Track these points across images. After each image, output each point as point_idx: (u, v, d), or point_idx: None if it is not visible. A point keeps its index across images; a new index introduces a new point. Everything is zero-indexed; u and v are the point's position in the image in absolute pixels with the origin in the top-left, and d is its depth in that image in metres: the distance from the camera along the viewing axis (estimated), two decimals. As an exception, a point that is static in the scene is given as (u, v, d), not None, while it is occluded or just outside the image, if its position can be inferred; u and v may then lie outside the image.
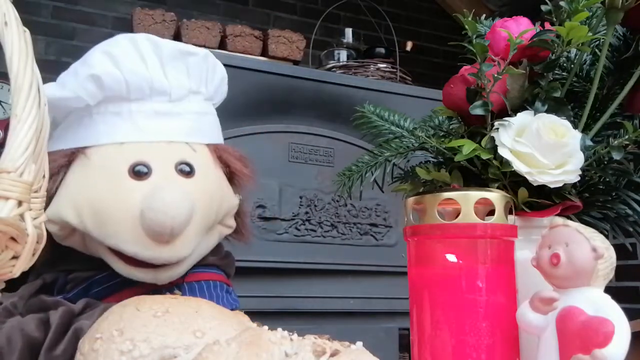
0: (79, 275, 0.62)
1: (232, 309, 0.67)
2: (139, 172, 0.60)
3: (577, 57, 0.56)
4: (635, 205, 0.53)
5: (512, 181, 0.52)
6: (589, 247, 0.42)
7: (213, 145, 0.69)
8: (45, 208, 0.58)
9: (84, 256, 0.63)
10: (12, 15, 0.36)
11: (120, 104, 0.63)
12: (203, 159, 0.66)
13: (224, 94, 0.75)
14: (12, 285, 0.53)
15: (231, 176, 0.71)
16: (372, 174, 0.63)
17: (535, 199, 0.51)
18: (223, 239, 0.72)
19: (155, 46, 0.64)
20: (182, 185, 0.60)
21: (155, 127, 0.63)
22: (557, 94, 0.54)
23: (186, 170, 0.62)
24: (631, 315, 0.45)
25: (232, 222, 0.71)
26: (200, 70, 0.68)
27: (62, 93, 0.60)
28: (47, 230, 0.58)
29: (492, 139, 0.52)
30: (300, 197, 1.41)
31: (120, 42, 0.63)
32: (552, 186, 0.49)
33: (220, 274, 0.70)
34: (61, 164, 0.60)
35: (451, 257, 0.47)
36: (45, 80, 0.42)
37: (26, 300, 0.57)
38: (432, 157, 0.62)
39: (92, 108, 0.62)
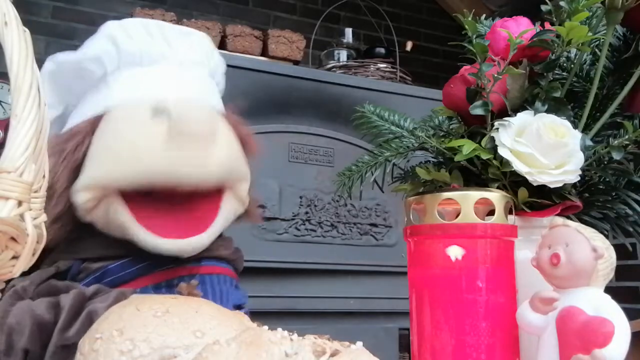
0: (93, 264, 0.62)
1: (241, 304, 0.69)
2: (158, 110, 0.62)
3: (577, 57, 0.56)
4: (635, 205, 0.53)
5: (512, 181, 0.52)
6: (589, 247, 0.42)
7: (222, 112, 0.71)
8: (74, 179, 0.60)
9: (99, 243, 0.63)
10: (12, 15, 0.36)
11: (135, 70, 0.66)
12: (217, 118, 0.68)
13: (223, 82, 0.78)
14: (27, 271, 0.53)
15: (240, 141, 0.72)
16: (372, 174, 0.63)
17: (535, 199, 0.51)
18: (234, 222, 0.73)
19: (159, 26, 0.68)
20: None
21: (169, 87, 0.66)
22: (557, 94, 0.54)
23: None
24: (631, 315, 0.45)
25: (245, 197, 0.72)
26: (203, 47, 0.72)
27: (83, 52, 0.64)
28: (72, 206, 0.59)
29: (492, 139, 0.52)
30: (300, 197, 1.41)
31: (130, 21, 0.68)
32: (552, 186, 0.49)
33: (230, 268, 0.71)
34: (86, 131, 0.62)
35: (455, 251, 0.47)
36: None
37: (37, 285, 0.57)
38: (432, 157, 0.62)
39: (108, 76, 0.65)
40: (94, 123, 0.63)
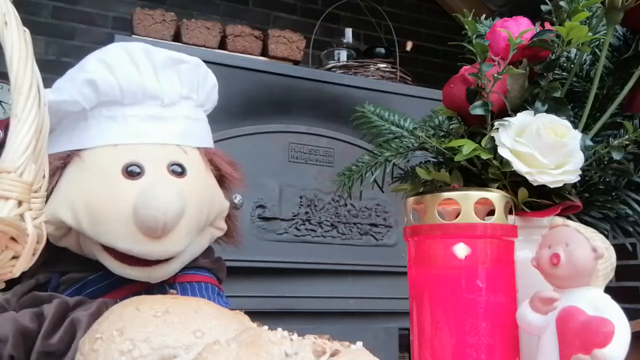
0: (73, 276, 0.63)
1: None
2: (132, 172, 0.61)
3: (577, 57, 0.56)
4: (635, 205, 0.53)
5: (512, 181, 0.52)
6: (589, 247, 0.42)
7: (204, 149, 0.70)
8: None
9: (78, 257, 0.63)
10: (12, 15, 0.36)
11: (115, 109, 0.65)
12: (194, 161, 0.67)
13: (215, 101, 0.77)
14: (6, 285, 0.54)
15: (221, 179, 0.72)
16: (372, 174, 0.63)
17: (535, 199, 0.51)
18: (214, 242, 0.74)
19: (148, 54, 0.66)
20: (174, 184, 0.62)
21: (148, 130, 0.65)
22: (557, 94, 0.54)
23: (178, 171, 0.64)
24: (631, 315, 0.45)
25: (223, 225, 0.72)
26: (192, 77, 0.70)
27: (59, 97, 0.62)
28: None
29: (492, 139, 0.52)
30: (300, 197, 1.41)
31: (114, 50, 0.65)
32: (552, 186, 0.49)
33: (211, 277, 0.71)
34: (56, 166, 0.62)
35: (461, 250, 0.47)
36: (45, 80, 0.42)
37: (19, 297, 0.58)
38: (432, 157, 0.62)
39: (87, 112, 0.64)
40: (67, 159, 0.63)
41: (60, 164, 0.62)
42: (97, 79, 0.62)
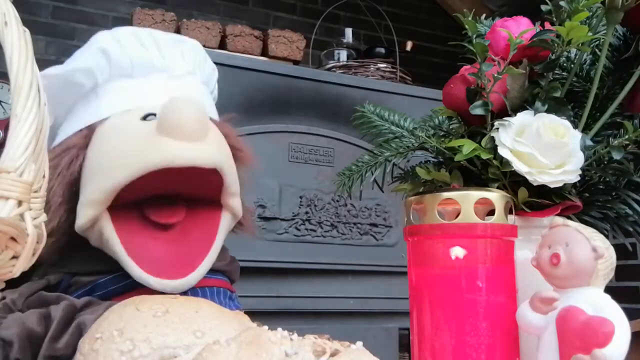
0: (84, 278, 0.61)
1: None
2: (150, 118, 0.62)
3: (577, 57, 0.56)
4: (635, 205, 0.53)
5: (512, 181, 0.52)
6: (589, 247, 0.42)
7: (215, 121, 0.70)
8: (70, 194, 0.59)
9: (91, 259, 0.62)
10: (12, 15, 0.36)
11: (126, 81, 0.66)
12: (214, 126, 0.67)
13: (215, 92, 0.78)
14: (16, 283, 0.53)
15: (233, 153, 0.71)
16: (372, 174, 0.63)
17: (535, 199, 0.51)
18: (230, 233, 0.72)
19: (152, 34, 0.68)
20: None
21: (159, 98, 0.65)
22: (557, 94, 0.54)
23: None
24: (631, 315, 0.45)
25: (239, 209, 0.70)
26: (194, 56, 0.72)
27: (73, 65, 0.64)
28: (66, 221, 0.59)
29: (492, 139, 0.52)
30: (300, 197, 1.41)
31: (121, 29, 0.68)
32: (552, 186, 0.49)
33: (225, 280, 0.70)
34: (80, 145, 0.62)
35: (457, 251, 0.47)
36: (45, 80, 0.42)
37: (26, 297, 0.57)
38: (432, 157, 0.62)
39: (99, 89, 0.65)
40: (87, 136, 0.62)
41: (82, 142, 0.62)
42: (108, 48, 0.64)
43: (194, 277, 0.60)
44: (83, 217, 0.58)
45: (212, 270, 0.68)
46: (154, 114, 0.61)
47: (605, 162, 0.53)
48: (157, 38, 0.68)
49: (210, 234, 0.64)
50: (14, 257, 0.35)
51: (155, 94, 0.66)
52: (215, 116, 0.73)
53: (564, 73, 0.58)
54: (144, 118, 0.62)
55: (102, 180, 0.59)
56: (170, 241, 0.62)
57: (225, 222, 0.66)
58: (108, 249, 0.61)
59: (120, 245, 0.59)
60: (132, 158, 0.58)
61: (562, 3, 0.54)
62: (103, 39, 0.65)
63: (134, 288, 0.61)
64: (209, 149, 0.60)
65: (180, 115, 0.57)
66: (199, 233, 0.64)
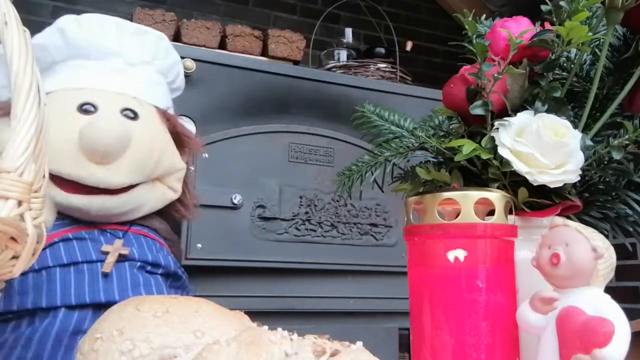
0: None
1: (160, 264, 0.72)
2: (86, 110, 0.67)
3: (577, 57, 0.56)
4: (635, 205, 0.53)
5: (512, 181, 0.52)
6: (589, 247, 0.42)
7: (161, 109, 0.75)
8: None
9: None
10: (12, 15, 0.36)
11: (81, 62, 0.71)
12: (149, 113, 0.72)
13: (181, 81, 0.83)
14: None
15: (178, 140, 0.77)
16: (372, 174, 0.63)
17: (535, 199, 0.51)
18: (173, 212, 0.78)
19: (117, 23, 0.74)
20: (123, 122, 0.67)
21: (109, 80, 0.71)
22: (557, 94, 0.54)
23: (130, 115, 0.69)
24: (631, 315, 0.45)
25: (177, 186, 0.76)
26: (155, 47, 0.76)
27: (32, 40, 0.68)
28: None
29: (492, 139, 0.52)
30: (300, 197, 1.41)
31: (87, 15, 0.73)
32: (552, 186, 0.49)
33: (161, 240, 0.75)
34: None
35: (458, 252, 0.47)
36: (45, 80, 0.42)
37: None
38: (432, 157, 0.62)
39: (55, 65, 0.70)
40: None
41: None
42: (68, 30, 0.69)
43: (108, 198, 0.66)
44: None
45: (152, 229, 0.74)
46: (92, 105, 0.66)
47: (605, 162, 0.53)
48: (122, 26, 0.73)
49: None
50: (14, 257, 0.35)
51: (105, 78, 0.70)
52: (165, 104, 0.77)
53: (564, 73, 0.58)
54: (81, 107, 0.66)
55: None
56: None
57: (155, 183, 0.72)
58: None
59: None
60: (54, 156, 0.62)
61: (562, 3, 0.54)
62: (65, 20, 0.70)
63: (75, 225, 0.67)
64: (124, 170, 0.66)
65: (98, 143, 0.62)
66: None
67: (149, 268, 0.69)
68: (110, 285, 0.64)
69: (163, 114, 0.74)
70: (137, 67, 0.73)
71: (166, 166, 0.72)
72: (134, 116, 0.69)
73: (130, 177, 0.66)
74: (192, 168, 0.81)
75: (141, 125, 0.69)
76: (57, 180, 0.64)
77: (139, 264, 0.68)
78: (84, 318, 0.62)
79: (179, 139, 0.76)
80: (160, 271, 0.70)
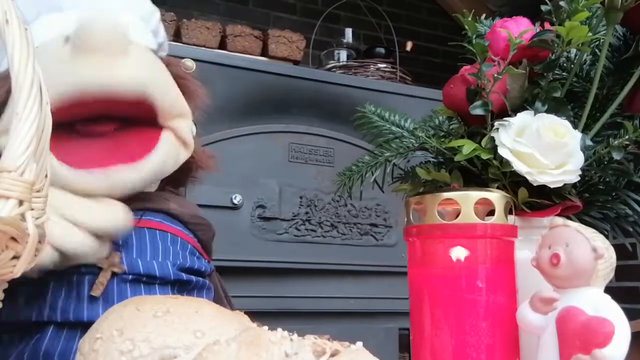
0: None
1: (202, 271, 0.63)
2: (69, 38, 0.56)
3: (577, 57, 0.56)
4: (635, 205, 0.53)
5: (512, 181, 0.52)
6: (589, 247, 0.42)
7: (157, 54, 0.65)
8: None
9: None
10: (14, 13, 0.36)
11: (54, 15, 0.61)
12: (145, 49, 0.62)
13: (161, 31, 0.72)
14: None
15: (180, 86, 0.65)
16: (372, 174, 0.63)
17: (535, 199, 0.51)
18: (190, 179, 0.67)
19: None
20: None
21: (92, 21, 0.59)
22: (557, 94, 0.54)
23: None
24: (631, 315, 0.45)
25: (190, 138, 0.65)
26: None
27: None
28: None
29: (492, 139, 0.52)
30: (300, 197, 1.41)
31: None
32: (552, 186, 0.49)
33: (186, 233, 0.64)
34: (7, 74, 0.60)
35: (458, 252, 0.47)
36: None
37: None
38: (432, 157, 0.62)
39: (30, 24, 0.59)
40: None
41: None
42: None
43: (122, 172, 0.55)
44: (2, 142, 0.52)
45: (170, 217, 0.63)
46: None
47: (605, 162, 0.53)
48: None
49: (148, 147, 0.58)
50: (15, 257, 0.35)
51: (87, 22, 0.58)
52: (154, 46, 0.67)
53: (564, 73, 0.58)
54: (67, 40, 0.56)
55: None
56: (103, 148, 0.57)
57: (166, 139, 0.61)
58: None
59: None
60: (48, 85, 0.54)
61: (562, 3, 0.54)
62: None
63: None
64: (128, 67, 0.54)
65: (93, 29, 0.52)
66: (135, 145, 0.58)
67: (144, 279, 0.59)
68: (95, 304, 0.56)
69: (160, 58, 0.64)
70: (118, 15, 0.61)
71: (172, 97, 0.60)
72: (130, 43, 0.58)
73: (132, 81, 0.55)
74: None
75: (139, 51, 0.59)
76: (63, 151, 0.53)
77: (130, 277, 0.58)
78: (72, 337, 0.55)
79: (179, 82, 0.65)
80: (157, 282, 0.60)
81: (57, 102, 0.53)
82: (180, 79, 0.65)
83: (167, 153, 0.60)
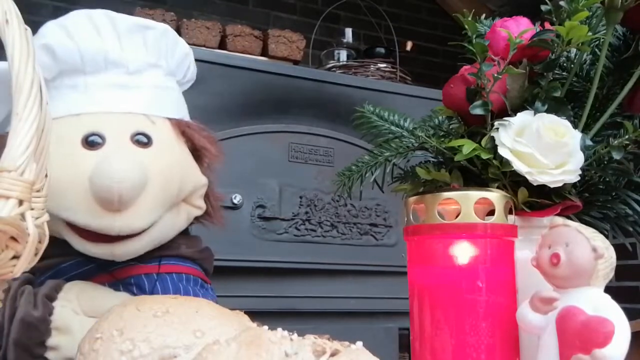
0: (46, 262, 0.60)
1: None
2: (92, 142, 0.58)
3: (577, 56, 0.56)
4: (635, 205, 0.53)
5: (512, 181, 0.52)
6: (589, 247, 0.42)
7: (175, 120, 0.66)
8: None
9: (51, 242, 0.62)
10: (14, 13, 0.36)
11: (76, 77, 0.61)
12: (163, 131, 0.64)
13: (193, 74, 0.73)
14: None
15: (197, 153, 0.68)
16: (372, 174, 0.63)
17: (535, 199, 0.51)
18: (197, 224, 0.71)
19: (112, 20, 0.63)
20: (135, 154, 0.59)
21: (112, 99, 0.62)
22: (557, 94, 0.54)
23: (143, 141, 0.61)
24: (631, 315, 0.45)
25: (201, 203, 0.68)
26: (159, 44, 0.66)
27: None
28: None
29: (492, 139, 0.52)
30: (300, 197, 1.41)
31: (75, 15, 0.63)
32: (552, 186, 0.49)
33: (196, 268, 0.68)
34: None
35: (458, 252, 0.47)
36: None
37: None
38: (432, 157, 0.62)
39: (49, 83, 0.60)
40: None
41: None
42: (54, 44, 0.59)
43: (131, 245, 0.58)
44: None
45: (182, 257, 0.66)
46: (98, 135, 0.58)
47: (605, 162, 0.53)
48: (118, 23, 0.63)
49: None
50: (15, 257, 0.35)
51: (107, 96, 0.61)
52: (178, 112, 0.69)
53: (564, 73, 0.58)
54: (86, 140, 0.58)
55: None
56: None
57: (175, 210, 0.64)
58: (51, 229, 0.59)
59: (59, 220, 0.57)
60: (60, 200, 0.55)
61: (562, 3, 0.54)
62: (48, 32, 0.60)
63: (96, 273, 0.60)
64: (139, 214, 0.58)
65: (111, 194, 0.54)
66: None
67: None
68: None
69: (178, 126, 0.66)
70: (142, 75, 0.64)
71: (189, 188, 0.64)
72: (147, 141, 0.61)
73: (153, 216, 0.59)
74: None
75: (156, 151, 0.61)
76: (74, 226, 0.57)
77: None
78: None
79: (197, 151, 0.68)
80: None
81: (65, 218, 0.56)
82: (194, 143, 0.67)
83: (173, 222, 0.64)
